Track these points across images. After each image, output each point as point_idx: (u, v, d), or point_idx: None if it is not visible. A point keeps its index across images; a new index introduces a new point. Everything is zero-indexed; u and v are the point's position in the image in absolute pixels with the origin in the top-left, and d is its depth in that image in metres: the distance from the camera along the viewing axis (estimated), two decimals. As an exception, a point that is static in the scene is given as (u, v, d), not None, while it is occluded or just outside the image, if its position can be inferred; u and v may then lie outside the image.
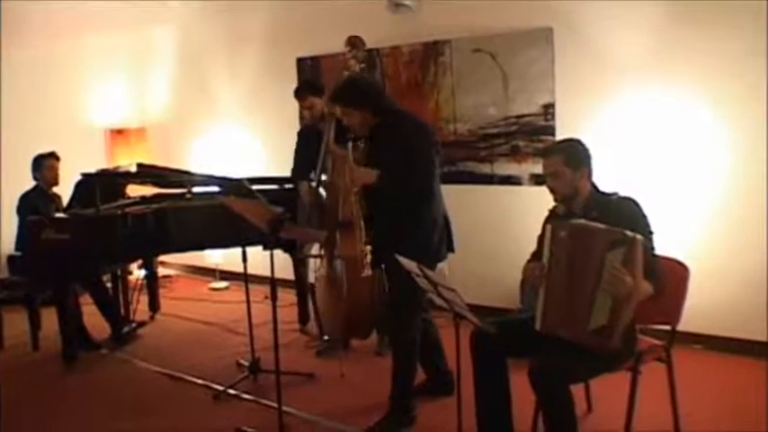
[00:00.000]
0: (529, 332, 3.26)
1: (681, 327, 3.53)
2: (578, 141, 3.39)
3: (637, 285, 2.98)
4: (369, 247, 4.29)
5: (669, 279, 3.26)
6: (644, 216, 3.26)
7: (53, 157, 5.89)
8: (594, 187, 3.38)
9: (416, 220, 3.96)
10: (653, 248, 3.22)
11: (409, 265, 3.23)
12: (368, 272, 4.35)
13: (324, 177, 4.97)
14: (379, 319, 4.69)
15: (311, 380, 4.86)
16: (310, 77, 6.59)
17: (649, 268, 3.08)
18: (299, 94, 5.53)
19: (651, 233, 3.23)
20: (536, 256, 3.41)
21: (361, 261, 4.36)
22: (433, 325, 4.39)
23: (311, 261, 5.84)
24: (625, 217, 3.17)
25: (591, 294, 3.02)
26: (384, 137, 4.01)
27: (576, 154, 3.34)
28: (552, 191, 3.39)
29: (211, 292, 7.51)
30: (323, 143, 4.94)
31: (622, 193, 3.35)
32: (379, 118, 4.01)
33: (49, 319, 5.66)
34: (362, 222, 4.32)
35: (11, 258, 5.71)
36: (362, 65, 4.89)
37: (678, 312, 3.48)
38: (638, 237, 2.98)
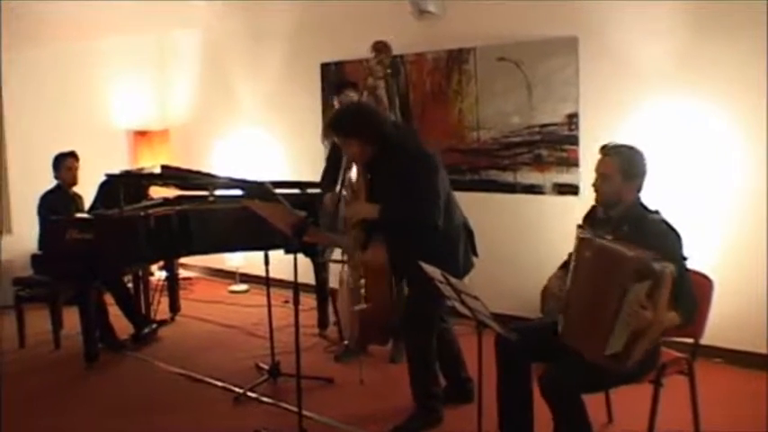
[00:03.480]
0: (551, 337, 3.26)
1: (702, 340, 3.51)
2: (641, 153, 3.31)
3: (659, 320, 2.94)
4: None
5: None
6: (679, 241, 3.18)
7: (72, 156, 5.92)
8: (638, 201, 3.32)
9: (424, 247, 3.78)
10: (684, 275, 3.11)
11: (433, 272, 3.23)
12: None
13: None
14: (393, 326, 4.69)
15: (330, 384, 4.86)
16: (335, 81, 6.58)
17: (678, 298, 3.01)
18: (340, 90, 5.41)
19: (685, 259, 3.16)
20: (567, 264, 3.39)
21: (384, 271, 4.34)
22: (451, 333, 4.40)
23: (331, 266, 5.87)
24: (656, 239, 3.10)
25: (610, 323, 2.95)
26: (385, 169, 3.92)
27: (633, 165, 3.26)
28: (596, 191, 3.35)
29: (231, 295, 7.54)
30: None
31: (649, 205, 3.32)
32: (380, 148, 3.88)
33: (71, 318, 5.71)
34: None
35: (34, 257, 5.76)
36: (388, 71, 4.84)
37: (702, 325, 3.44)
38: (668, 271, 2.90)
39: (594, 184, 3.35)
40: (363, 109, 4.21)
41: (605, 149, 3.34)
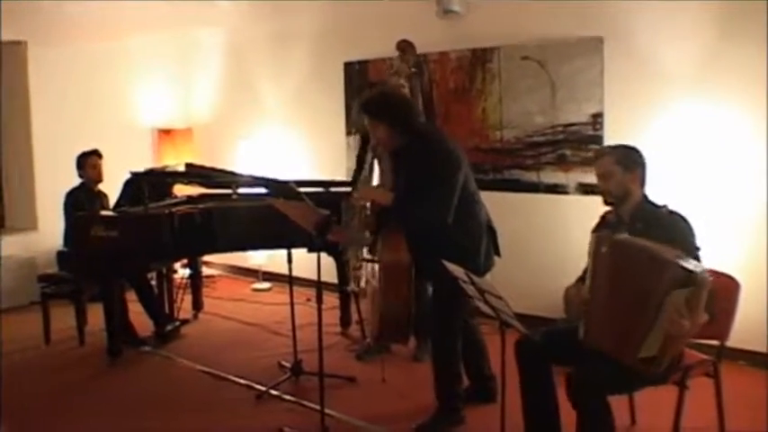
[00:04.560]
0: (574, 341, 3.24)
1: (727, 342, 3.49)
2: (634, 148, 3.38)
3: (695, 325, 2.88)
4: None
5: (719, 295, 3.15)
6: (691, 232, 3.20)
7: (95, 154, 5.98)
8: (645, 197, 3.35)
9: (445, 241, 3.82)
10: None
11: (457, 271, 3.22)
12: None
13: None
14: (417, 324, 4.69)
15: (352, 383, 4.86)
16: (358, 82, 6.59)
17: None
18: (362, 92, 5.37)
19: (698, 249, 3.17)
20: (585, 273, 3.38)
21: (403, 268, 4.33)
22: (477, 330, 4.38)
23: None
24: (671, 233, 3.12)
25: (647, 328, 2.91)
26: (409, 158, 3.92)
27: (628, 156, 3.34)
28: (603, 193, 3.37)
29: (254, 293, 7.55)
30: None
31: (671, 206, 3.30)
32: (407, 137, 3.90)
33: (95, 314, 5.75)
34: None
35: (60, 254, 5.81)
36: (413, 70, 4.82)
37: (728, 327, 3.42)
38: (707, 276, 2.84)
39: (600, 188, 3.38)
40: (397, 95, 4.27)
41: (597, 152, 3.50)
